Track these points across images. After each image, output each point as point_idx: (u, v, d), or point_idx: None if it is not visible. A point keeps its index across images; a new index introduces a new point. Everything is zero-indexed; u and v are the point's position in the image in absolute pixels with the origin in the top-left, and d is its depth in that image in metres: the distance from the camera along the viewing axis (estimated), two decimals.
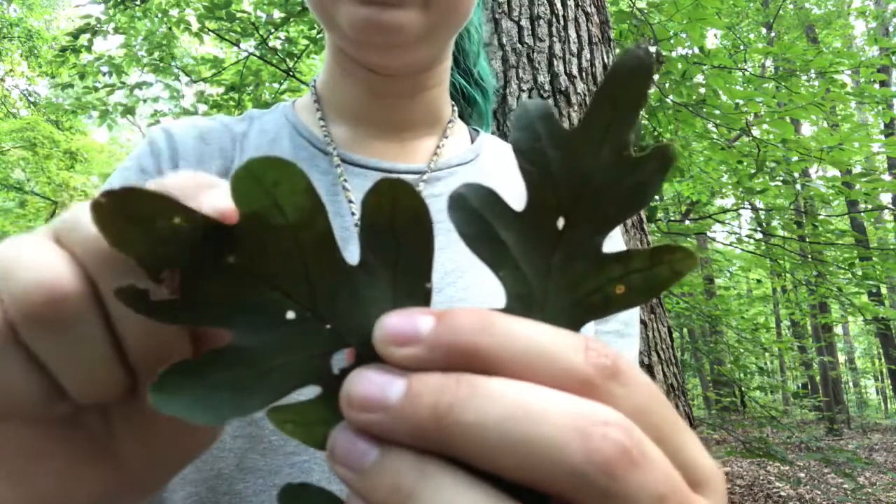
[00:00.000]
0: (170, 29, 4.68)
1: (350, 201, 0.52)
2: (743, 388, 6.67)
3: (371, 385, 0.18)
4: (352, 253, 0.50)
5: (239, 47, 4.58)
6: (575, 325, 0.21)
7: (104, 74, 4.56)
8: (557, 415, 0.16)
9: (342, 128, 0.58)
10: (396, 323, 0.18)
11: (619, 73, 0.20)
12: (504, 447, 0.16)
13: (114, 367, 0.22)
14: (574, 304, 0.21)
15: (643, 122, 4.09)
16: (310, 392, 0.21)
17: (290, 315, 0.21)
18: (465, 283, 0.50)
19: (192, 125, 0.58)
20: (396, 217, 0.20)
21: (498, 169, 0.60)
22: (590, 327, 0.52)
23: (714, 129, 4.40)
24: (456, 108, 0.64)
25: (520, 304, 0.21)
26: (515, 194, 0.60)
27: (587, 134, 0.20)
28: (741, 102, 3.81)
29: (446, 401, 0.17)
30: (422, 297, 0.21)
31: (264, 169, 0.19)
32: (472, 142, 0.63)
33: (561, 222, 0.20)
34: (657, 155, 0.21)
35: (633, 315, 0.60)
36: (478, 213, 0.21)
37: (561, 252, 0.21)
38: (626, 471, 0.15)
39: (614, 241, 0.62)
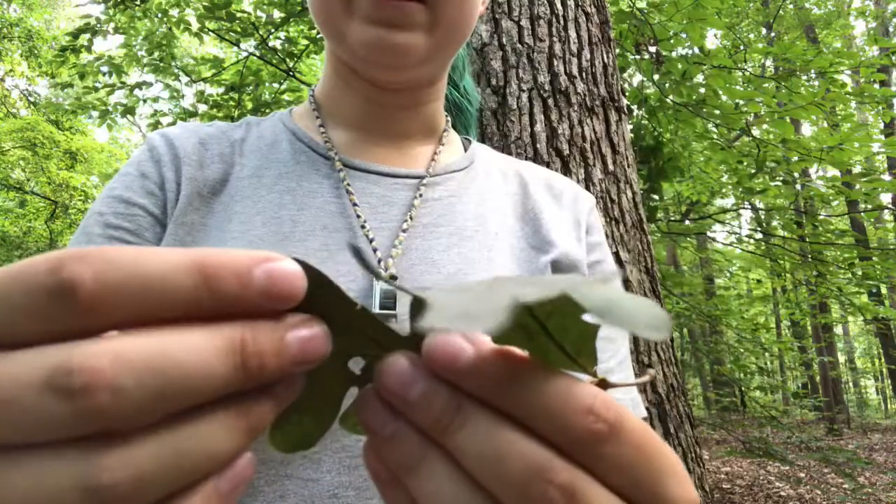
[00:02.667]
0: (170, 29, 4.68)
1: (354, 204, 0.53)
2: (743, 388, 6.67)
3: (400, 376, 0.22)
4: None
5: (239, 47, 4.58)
6: None
7: (104, 74, 4.56)
8: (517, 463, 0.20)
9: (342, 134, 0.59)
10: (443, 350, 0.21)
11: None
12: (476, 470, 0.21)
13: None
14: None
15: (643, 122, 4.09)
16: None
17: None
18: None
19: (191, 130, 0.58)
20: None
21: (490, 175, 0.62)
22: None
23: (714, 129, 4.40)
24: (449, 119, 0.66)
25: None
26: (506, 199, 0.59)
27: None
28: (741, 102, 3.81)
29: (445, 420, 0.21)
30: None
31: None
32: (466, 150, 0.65)
33: None
34: None
35: None
36: None
37: None
38: None
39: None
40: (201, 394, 0.19)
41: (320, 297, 0.22)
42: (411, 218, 0.53)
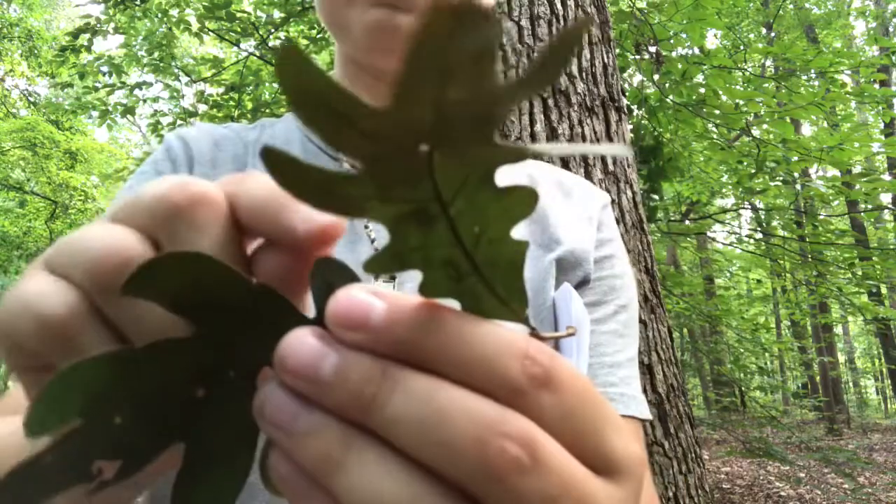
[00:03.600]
0: (170, 29, 4.68)
1: None
2: (743, 388, 6.67)
3: (306, 353, 0.19)
4: (360, 253, 0.51)
5: (239, 47, 4.58)
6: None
7: (104, 74, 4.56)
8: (465, 422, 0.18)
9: None
10: (349, 306, 0.19)
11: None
12: (415, 442, 0.18)
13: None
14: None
15: (643, 122, 4.09)
16: None
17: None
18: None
19: (206, 132, 0.60)
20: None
21: (500, 174, 0.62)
22: (587, 327, 0.52)
23: (714, 129, 4.40)
24: None
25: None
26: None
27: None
28: (741, 102, 3.81)
29: (369, 391, 0.18)
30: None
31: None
32: None
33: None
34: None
35: (632, 316, 0.61)
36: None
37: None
38: (516, 477, 0.17)
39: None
40: None
41: (206, 282, 0.19)
42: None
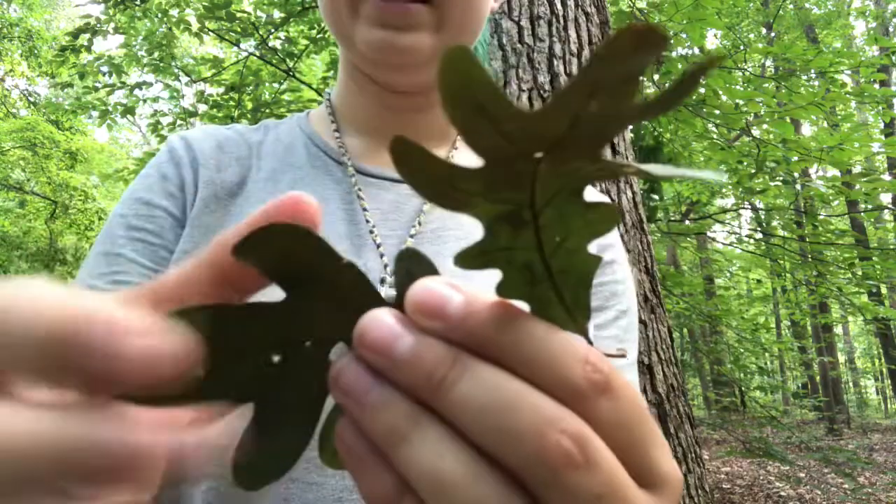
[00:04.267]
0: (170, 29, 4.68)
1: (364, 209, 0.53)
2: (743, 388, 6.67)
3: (384, 331, 0.20)
4: (367, 259, 0.50)
5: (239, 47, 4.58)
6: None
7: (104, 74, 4.56)
8: (527, 413, 0.19)
9: (356, 139, 0.59)
10: (428, 296, 0.20)
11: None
12: (478, 427, 0.19)
13: None
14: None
15: (643, 122, 4.09)
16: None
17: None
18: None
19: (210, 134, 0.59)
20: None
21: None
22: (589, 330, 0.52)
23: (714, 129, 4.40)
24: None
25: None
26: None
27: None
28: (741, 102, 3.81)
29: (440, 373, 0.19)
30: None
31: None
32: None
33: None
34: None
35: (632, 321, 0.61)
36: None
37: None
38: (566, 471, 0.18)
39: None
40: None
41: (301, 253, 0.20)
42: (420, 224, 0.53)
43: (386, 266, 0.50)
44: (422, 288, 0.20)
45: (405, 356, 0.19)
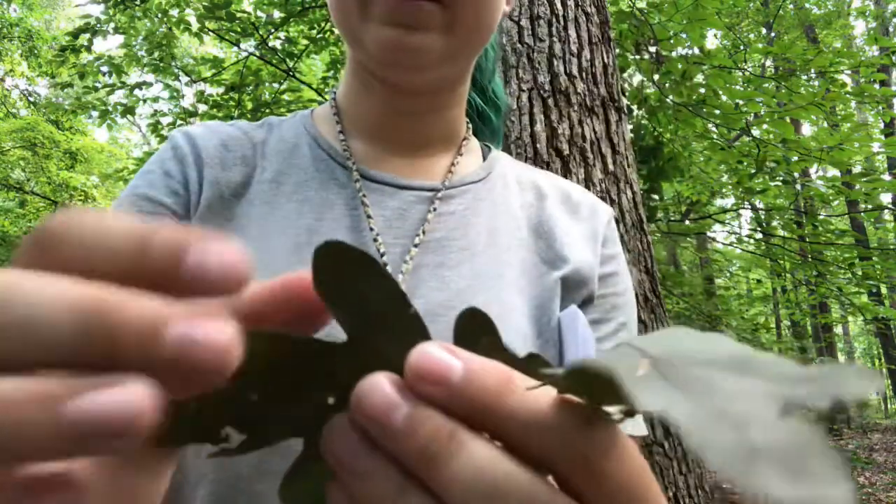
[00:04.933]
0: (170, 29, 4.68)
1: (369, 216, 0.53)
2: None
3: (381, 399, 0.19)
4: None
5: (239, 47, 4.58)
6: None
7: (104, 74, 4.56)
8: (515, 500, 0.19)
9: (360, 143, 0.59)
10: (430, 362, 0.20)
11: None
12: (466, 496, 0.19)
13: None
14: None
15: (643, 122, 4.09)
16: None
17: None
18: (477, 303, 0.50)
19: (214, 131, 0.58)
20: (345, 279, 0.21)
21: (507, 187, 0.61)
22: (593, 348, 0.52)
23: (714, 129, 4.40)
24: (470, 126, 0.65)
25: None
26: (520, 211, 0.59)
27: None
28: (741, 102, 3.81)
29: (434, 448, 0.19)
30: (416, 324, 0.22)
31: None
32: (485, 158, 0.64)
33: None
34: None
35: (632, 333, 0.61)
36: None
37: None
38: None
39: None
40: (37, 344, 0.16)
41: (357, 281, 0.20)
42: (424, 233, 0.52)
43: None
44: (420, 353, 0.20)
45: (401, 425, 0.19)
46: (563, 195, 0.63)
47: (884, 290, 9.45)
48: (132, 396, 0.15)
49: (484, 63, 0.69)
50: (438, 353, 0.20)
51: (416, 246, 0.52)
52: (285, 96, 4.68)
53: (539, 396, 0.20)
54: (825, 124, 4.81)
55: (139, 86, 4.71)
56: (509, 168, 0.64)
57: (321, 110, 0.63)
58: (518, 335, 0.50)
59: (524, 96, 1.86)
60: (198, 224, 0.52)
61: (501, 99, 0.71)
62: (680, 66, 3.72)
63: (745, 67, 4.65)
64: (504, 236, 0.56)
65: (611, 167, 1.86)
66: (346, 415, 0.20)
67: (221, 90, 4.70)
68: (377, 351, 0.21)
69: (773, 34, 10.75)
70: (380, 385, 0.20)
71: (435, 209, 0.54)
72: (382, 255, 0.51)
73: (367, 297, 0.21)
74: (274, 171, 0.56)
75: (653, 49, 3.75)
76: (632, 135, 3.84)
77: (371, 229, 0.52)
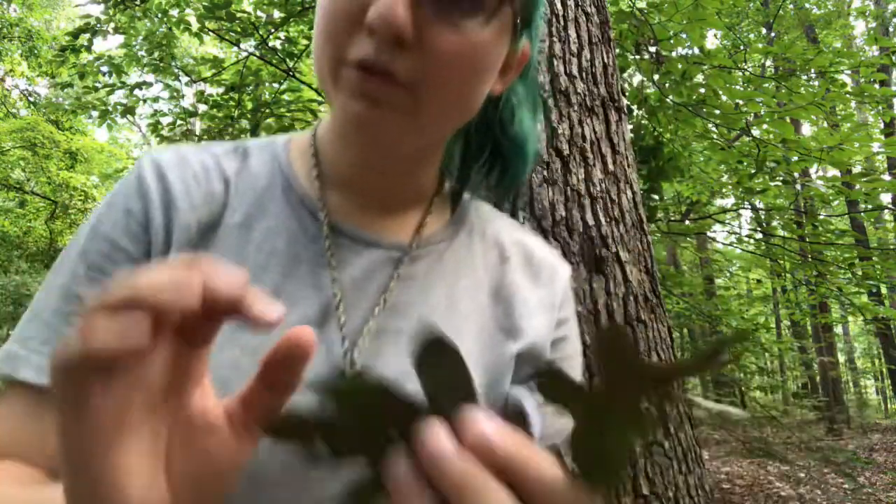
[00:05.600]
0: (170, 29, 4.68)
1: (334, 280, 0.52)
2: (743, 388, 6.67)
3: (439, 440, 0.27)
4: (330, 328, 0.50)
5: (239, 47, 4.58)
6: None
7: (104, 74, 4.56)
8: None
9: (334, 191, 0.57)
10: (478, 427, 0.27)
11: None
12: None
13: None
14: None
15: (643, 122, 4.09)
16: None
17: None
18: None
19: (185, 161, 0.55)
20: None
21: (472, 246, 0.61)
22: (538, 428, 0.54)
23: (714, 129, 4.40)
24: (447, 181, 0.64)
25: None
26: (482, 273, 0.59)
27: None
28: (741, 102, 3.81)
29: (468, 485, 0.26)
30: None
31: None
32: (453, 213, 0.62)
33: None
34: None
35: (577, 350, 0.63)
36: None
37: None
38: None
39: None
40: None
41: (443, 364, 0.28)
42: (385, 301, 0.52)
43: (346, 353, 0.49)
44: (473, 419, 0.27)
45: (447, 464, 0.26)
46: (525, 256, 0.62)
47: (884, 290, 9.46)
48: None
49: (498, 114, 0.61)
50: (485, 422, 0.27)
51: (378, 307, 0.52)
52: (285, 96, 4.67)
53: (553, 467, 0.27)
54: (825, 124, 4.81)
55: (139, 86, 4.70)
56: (476, 222, 0.63)
57: (299, 142, 0.61)
58: None
59: None
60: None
61: (527, 142, 0.62)
62: (680, 66, 3.71)
63: (745, 67, 4.65)
64: (464, 302, 0.56)
65: (611, 167, 1.86)
66: (406, 446, 0.27)
67: (221, 90, 4.70)
68: (440, 406, 0.28)
69: (773, 34, 10.74)
70: (438, 433, 0.26)
71: (399, 274, 0.54)
72: (342, 326, 0.50)
73: (447, 376, 0.28)
74: (244, 213, 0.54)
75: (653, 49, 3.75)
76: (632, 135, 3.84)
77: (335, 294, 0.51)
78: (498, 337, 0.56)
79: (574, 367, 0.62)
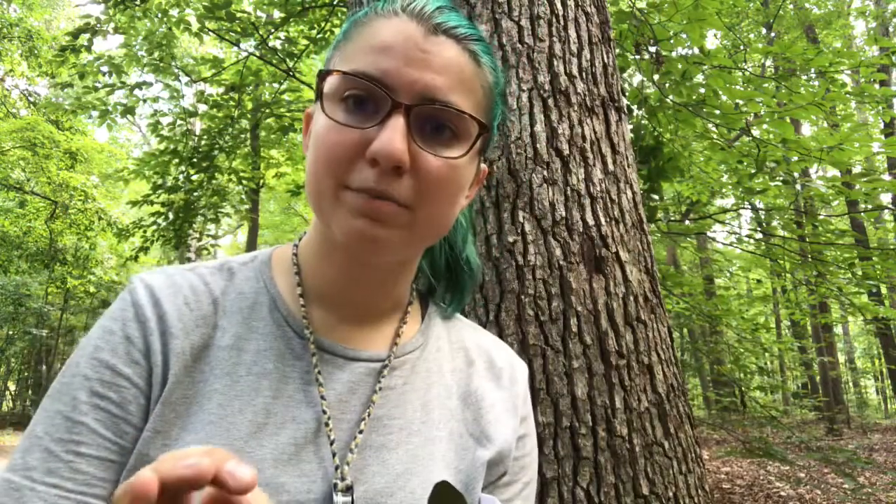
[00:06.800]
0: (170, 29, 4.68)
1: (322, 398, 0.56)
2: (743, 388, 6.66)
3: None
4: (320, 445, 0.53)
5: (239, 47, 4.58)
6: None
7: (104, 74, 4.56)
8: None
9: (317, 307, 0.61)
10: None
11: None
12: None
13: None
14: None
15: (643, 122, 4.09)
16: None
17: None
18: (412, 487, 0.55)
19: (176, 286, 0.58)
20: None
21: (440, 352, 0.66)
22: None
23: (714, 129, 4.40)
24: (415, 290, 0.69)
25: None
26: (451, 378, 0.64)
27: None
28: (741, 102, 3.81)
29: None
30: None
31: None
32: (423, 320, 0.68)
33: None
34: None
35: (533, 488, 0.67)
36: None
37: None
38: None
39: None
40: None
41: None
42: (369, 415, 0.56)
43: (337, 467, 0.53)
44: None
45: None
46: (487, 361, 0.67)
47: (884, 290, 9.45)
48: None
49: (454, 236, 0.72)
50: None
51: (361, 432, 0.55)
52: (285, 96, 4.67)
53: None
54: (825, 124, 4.81)
55: (139, 86, 4.70)
56: (442, 329, 0.69)
57: (281, 258, 0.65)
58: None
59: (524, 96, 1.86)
60: (165, 401, 0.53)
61: (474, 264, 0.74)
62: (680, 66, 3.71)
63: (745, 67, 4.65)
64: (436, 409, 0.60)
65: (611, 167, 1.86)
66: None
67: (221, 90, 4.70)
68: None
69: (773, 34, 10.74)
70: None
71: (381, 387, 0.58)
72: (332, 443, 0.54)
73: None
74: (233, 334, 0.57)
75: (653, 49, 3.75)
76: (632, 135, 3.84)
77: (324, 412, 0.55)
78: (469, 442, 0.61)
79: (532, 462, 0.66)
